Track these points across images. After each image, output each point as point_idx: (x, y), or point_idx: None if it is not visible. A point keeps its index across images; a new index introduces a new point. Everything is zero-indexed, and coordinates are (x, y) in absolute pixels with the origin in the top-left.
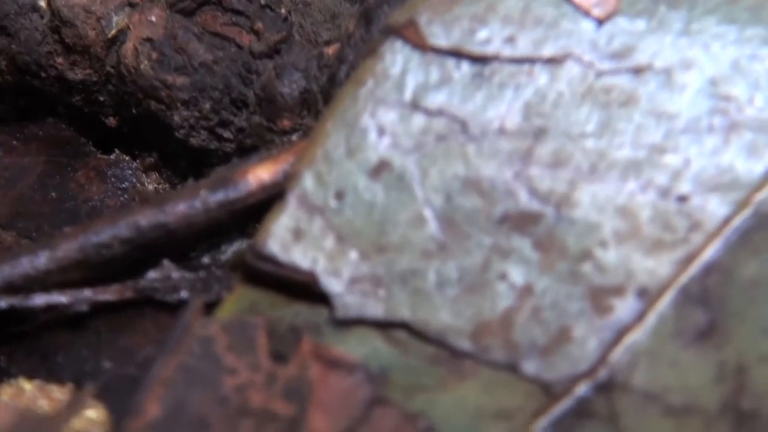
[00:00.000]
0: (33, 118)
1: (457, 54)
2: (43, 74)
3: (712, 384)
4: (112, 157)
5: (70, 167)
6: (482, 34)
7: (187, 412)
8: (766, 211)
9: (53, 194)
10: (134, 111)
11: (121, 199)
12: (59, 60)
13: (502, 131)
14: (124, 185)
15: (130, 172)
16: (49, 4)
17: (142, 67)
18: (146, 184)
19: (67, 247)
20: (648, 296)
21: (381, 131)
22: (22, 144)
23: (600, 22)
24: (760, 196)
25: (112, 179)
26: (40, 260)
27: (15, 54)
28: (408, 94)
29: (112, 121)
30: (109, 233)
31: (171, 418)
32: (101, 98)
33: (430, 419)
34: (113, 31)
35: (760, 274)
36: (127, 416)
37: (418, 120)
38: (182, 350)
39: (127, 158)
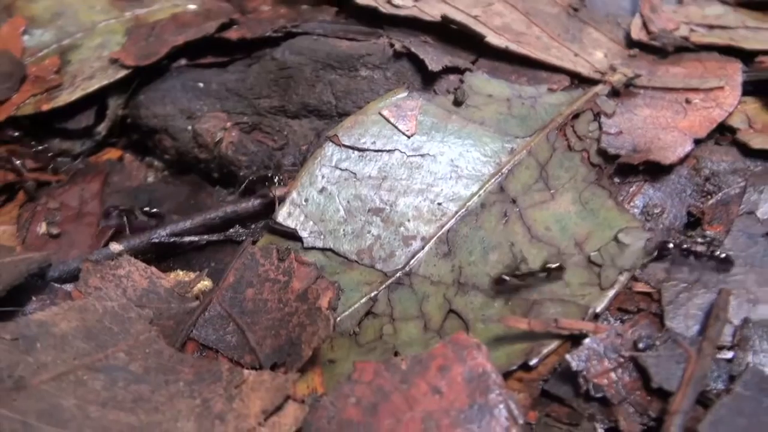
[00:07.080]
0: (184, 172)
1: (352, 148)
2: (189, 156)
3: (449, 273)
4: (218, 189)
5: (199, 195)
6: (362, 140)
7: (243, 281)
8: (471, 209)
9: (193, 203)
10: (225, 171)
11: (222, 203)
12: (195, 149)
13: (369, 177)
14: (222, 198)
15: (225, 194)
16: (192, 126)
17: (229, 153)
18: (228, 198)
19: (198, 220)
20: (425, 240)
21: (323, 177)
22: (179, 183)
23: (408, 136)
24: (469, 203)
25: (218, 197)
26: (186, 223)
27: (176, 147)
28: (334, 162)
29: (216, 176)
30: (214, 214)
31: (236, 283)
32: (212, 166)
33: (340, 284)
34: (217, 139)
35: (468, 232)
36: (220, 281)
37: (337, 172)
38: (242, 257)
39: (224, 190)
